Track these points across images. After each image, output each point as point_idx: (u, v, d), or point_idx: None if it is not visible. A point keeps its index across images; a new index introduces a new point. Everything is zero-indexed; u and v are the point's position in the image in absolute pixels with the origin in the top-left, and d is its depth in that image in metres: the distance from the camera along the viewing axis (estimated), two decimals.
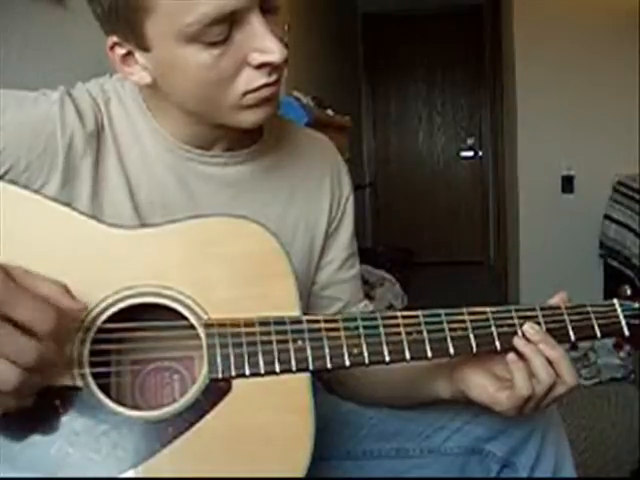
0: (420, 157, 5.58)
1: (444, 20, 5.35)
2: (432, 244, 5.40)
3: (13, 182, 0.67)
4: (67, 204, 0.67)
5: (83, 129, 0.73)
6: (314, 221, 0.89)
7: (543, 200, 3.37)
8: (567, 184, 3.34)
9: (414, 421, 0.93)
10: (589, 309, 0.78)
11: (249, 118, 0.73)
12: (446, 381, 0.81)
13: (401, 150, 5.60)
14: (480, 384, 0.76)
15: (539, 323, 0.75)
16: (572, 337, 0.77)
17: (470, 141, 5.49)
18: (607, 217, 3.18)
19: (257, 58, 0.68)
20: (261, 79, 0.70)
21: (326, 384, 0.96)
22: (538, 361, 0.72)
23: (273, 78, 0.70)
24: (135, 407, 0.64)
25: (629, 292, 0.82)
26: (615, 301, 0.81)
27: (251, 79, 0.70)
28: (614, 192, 3.17)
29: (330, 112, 2.72)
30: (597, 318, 0.78)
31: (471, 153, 5.49)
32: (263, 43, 0.67)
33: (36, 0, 1.34)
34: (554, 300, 0.79)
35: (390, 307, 3.28)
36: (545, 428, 0.89)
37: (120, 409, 0.62)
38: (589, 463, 2.06)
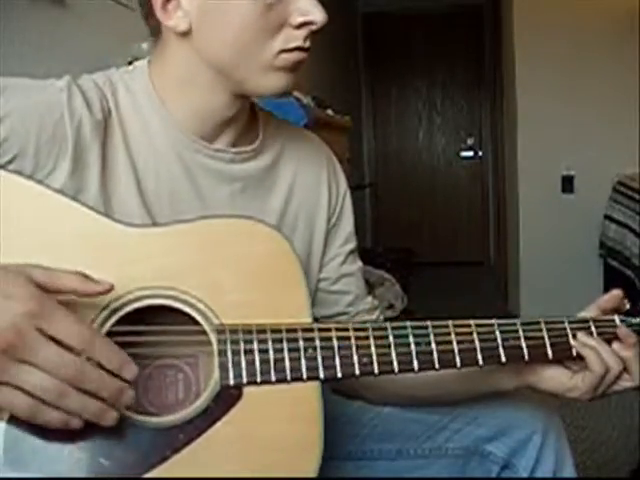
0: (420, 157, 5.58)
1: (444, 20, 5.35)
2: (432, 244, 5.39)
3: (19, 172, 0.67)
4: (81, 201, 0.67)
5: (91, 116, 0.73)
6: (313, 216, 0.90)
7: (543, 200, 3.37)
8: (567, 184, 3.34)
9: (415, 422, 0.93)
10: (590, 324, 0.79)
11: (273, 83, 0.75)
12: (512, 374, 0.83)
13: (401, 150, 5.60)
14: (554, 375, 0.79)
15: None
16: (574, 352, 0.77)
17: (470, 141, 5.49)
18: (607, 217, 3.18)
19: (298, 18, 0.72)
20: (297, 41, 0.73)
21: (347, 389, 0.96)
22: (603, 349, 0.76)
23: (307, 44, 0.74)
24: (138, 405, 0.64)
25: (628, 306, 0.82)
26: (616, 317, 0.80)
27: (289, 38, 0.73)
28: (614, 192, 3.17)
29: (330, 112, 2.72)
30: (599, 334, 0.78)
31: (471, 153, 5.49)
32: (306, 5, 0.72)
33: (36, 0, 1.34)
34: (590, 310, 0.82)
35: (390, 307, 3.28)
36: (545, 429, 0.89)
37: (131, 414, 0.62)
38: (589, 463, 2.07)
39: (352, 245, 0.94)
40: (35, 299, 0.54)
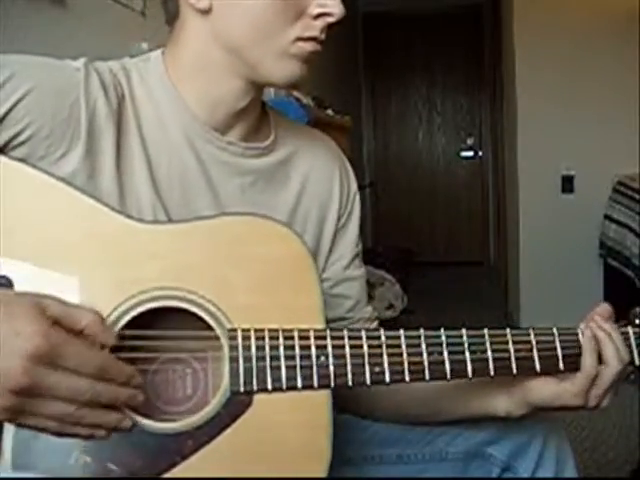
0: (420, 157, 5.58)
1: (444, 20, 5.35)
2: (432, 244, 5.40)
3: (30, 156, 0.66)
4: (91, 194, 0.66)
5: (106, 99, 0.73)
6: (324, 214, 0.90)
7: (543, 200, 3.37)
8: (567, 184, 3.34)
9: (415, 427, 0.92)
10: None
11: (286, 71, 0.76)
12: (504, 395, 0.81)
13: (401, 150, 5.60)
14: (541, 381, 0.77)
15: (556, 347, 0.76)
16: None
17: (470, 141, 5.49)
18: (607, 217, 3.18)
19: (316, 9, 0.74)
20: (314, 31, 0.75)
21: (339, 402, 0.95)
22: (611, 346, 0.75)
23: (322, 37, 0.76)
24: (146, 407, 0.63)
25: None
26: (629, 329, 0.79)
27: (306, 27, 0.74)
28: (614, 192, 3.17)
29: (330, 112, 2.72)
30: None
31: (471, 153, 5.49)
32: None
33: (36, 0, 1.33)
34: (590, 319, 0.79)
35: (390, 307, 3.28)
36: (546, 432, 0.88)
37: (140, 419, 0.62)
38: (589, 463, 2.07)
39: (358, 248, 0.94)
40: (42, 336, 0.54)
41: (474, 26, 5.32)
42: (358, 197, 0.95)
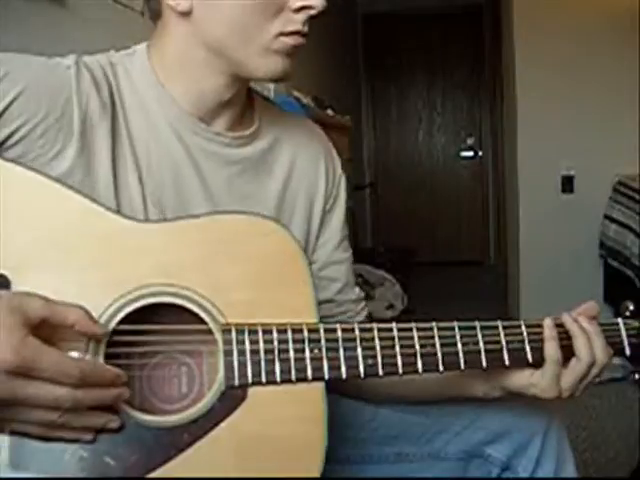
0: (420, 157, 5.58)
1: (444, 20, 5.35)
2: (432, 244, 5.40)
3: (25, 155, 0.67)
4: (87, 195, 0.66)
5: (98, 96, 0.73)
6: (311, 199, 0.90)
7: (543, 200, 3.37)
8: (567, 184, 3.34)
9: (414, 425, 0.92)
10: None
11: (270, 66, 0.76)
12: (481, 379, 0.82)
13: (401, 150, 5.60)
14: (518, 371, 0.77)
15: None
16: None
17: (470, 141, 5.49)
18: (607, 217, 3.18)
19: (297, 2, 0.74)
20: (296, 25, 0.74)
21: (340, 389, 0.96)
22: (599, 340, 0.75)
23: (305, 29, 0.75)
24: (143, 403, 0.64)
25: (632, 307, 0.81)
26: (619, 320, 0.80)
27: (288, 22, 0.74)
28: (614, 192, 3.17)
29: (330, 112, 2.73)
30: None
31: (471, 153, 5.49)
32: None
33: (36, 0, 1.33)
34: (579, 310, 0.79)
35: (390, 307, 3.29)
36: (546, 431, 0.88)
37: (135, 413, 0.62)
38: (589, 463, 2.07)
39: (344, 232, 0.94)
40: (14, 349, 0.54)
41: (474, 26, 5.32)
42: (344, 180, 0.96)
